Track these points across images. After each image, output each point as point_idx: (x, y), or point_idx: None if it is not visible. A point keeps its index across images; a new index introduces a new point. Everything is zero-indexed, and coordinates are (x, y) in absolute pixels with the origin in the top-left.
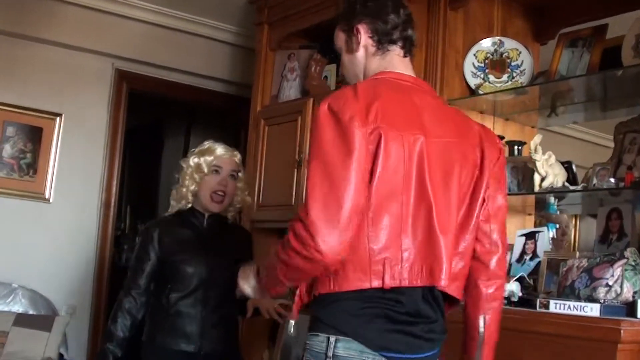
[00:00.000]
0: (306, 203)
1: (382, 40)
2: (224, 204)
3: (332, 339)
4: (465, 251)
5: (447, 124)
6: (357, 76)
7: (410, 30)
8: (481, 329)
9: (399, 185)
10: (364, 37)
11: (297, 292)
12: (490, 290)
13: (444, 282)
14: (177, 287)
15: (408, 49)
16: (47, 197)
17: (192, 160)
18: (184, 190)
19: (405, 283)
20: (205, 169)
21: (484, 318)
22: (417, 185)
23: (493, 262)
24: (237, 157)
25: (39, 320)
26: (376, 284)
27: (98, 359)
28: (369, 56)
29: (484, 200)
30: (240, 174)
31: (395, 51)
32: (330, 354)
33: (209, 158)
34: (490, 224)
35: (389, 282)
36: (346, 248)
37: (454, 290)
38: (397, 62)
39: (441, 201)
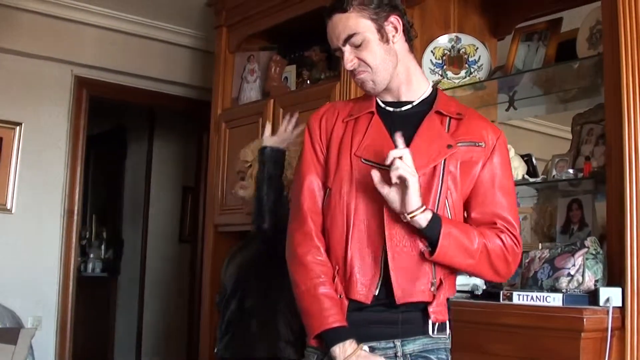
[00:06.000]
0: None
1: (408, 38)
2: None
3: None
4: None
5: None
6: (389, 75)
7: None
8: None
9: None
10: (399, 28)
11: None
12: None
13: None
14: None
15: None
16: (8, 207)
17: None
18: None
19: None
20: None
21: None
22: None
23: None
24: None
25: (4, 333)
26: None
27: None
28: (406, 53)
29: None
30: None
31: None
32: None
33: None
34: None
35: None
36: None
37: None
38: None
39: None
